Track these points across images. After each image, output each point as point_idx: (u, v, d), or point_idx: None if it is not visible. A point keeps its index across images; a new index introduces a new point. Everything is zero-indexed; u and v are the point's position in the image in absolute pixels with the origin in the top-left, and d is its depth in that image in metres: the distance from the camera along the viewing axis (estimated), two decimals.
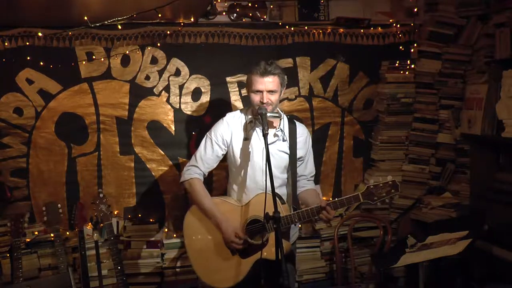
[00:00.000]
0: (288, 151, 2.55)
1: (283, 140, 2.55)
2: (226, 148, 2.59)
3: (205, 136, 2.62)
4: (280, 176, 2.57)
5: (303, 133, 2.63)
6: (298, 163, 2.61)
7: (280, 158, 2.54)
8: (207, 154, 2.57)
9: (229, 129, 2.57)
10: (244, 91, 3.47)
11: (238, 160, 2.56)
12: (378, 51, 3.61)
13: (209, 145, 2.58)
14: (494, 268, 2.85)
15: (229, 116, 2.63)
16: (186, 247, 2.58)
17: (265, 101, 2.40)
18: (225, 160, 2.68)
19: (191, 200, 2.63)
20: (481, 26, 3.36)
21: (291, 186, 2.58)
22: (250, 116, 2.57)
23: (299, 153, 2.58)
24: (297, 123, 2.64)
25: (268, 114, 2.41)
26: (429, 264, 2.64)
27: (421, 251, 2.39)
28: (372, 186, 2.35)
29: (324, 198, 3.44)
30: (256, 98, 2.44)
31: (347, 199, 2.36)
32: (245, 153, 2.54)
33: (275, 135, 2.54)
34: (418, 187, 3.61)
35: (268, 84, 2.41)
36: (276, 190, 2.35)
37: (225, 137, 2.57)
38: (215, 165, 2.64)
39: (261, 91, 2.41)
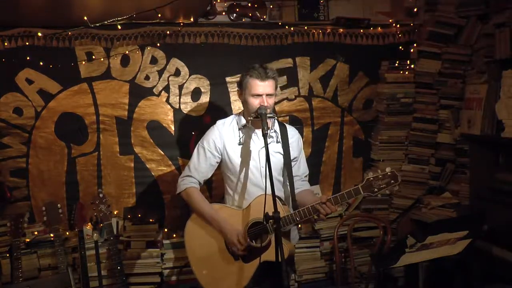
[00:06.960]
0: (282, 152, 2.56)
1: (277, 142, 2.56)
2: (220, 156, 2.57)
3: (197, 145, 2.60)
4: (278, 177, 2.58)
5: (294, 134, 2.67)
6: (292, 163, 2.63)
7: (275, 159, 2.54)
8: (201, 163, 2.56)
9: (220, 136, 2.56)
10: None
11: (235, 166, 2.54)
12: (377, 51, 3.61)
13: (202, 154, 2.56)
14: (494, 268, 2.84)
15: (219, 122, 2.62)
16: (189, 256, 2.55)
17: (266, 104, 2.42)
18: (219, 167, 2.66)
19: (190, 209, 2.61)
20: (481, 26, 3.37)
21: (288, 187, 2.60)
22: (243, 121, 2.56)
23: (293, 154, 2.60)
24: (287, 126, 2.66)
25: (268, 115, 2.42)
26: (429, 264, 2.63)
27: (421, 251, 2.38)
28: (371, 178, 2.32)
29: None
30: (255, 102, 2.44)
31: (348, 192, 2.33)
32: (242, 157, 2.53)
33: (269, 136, 2.53)
34: (418, 187, 3.61)
35: (267, 88, 2.44)
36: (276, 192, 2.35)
37: (217, 144, 2.55)
38: (210, 174, 2.63)
39: (261, 95, 2.44)
